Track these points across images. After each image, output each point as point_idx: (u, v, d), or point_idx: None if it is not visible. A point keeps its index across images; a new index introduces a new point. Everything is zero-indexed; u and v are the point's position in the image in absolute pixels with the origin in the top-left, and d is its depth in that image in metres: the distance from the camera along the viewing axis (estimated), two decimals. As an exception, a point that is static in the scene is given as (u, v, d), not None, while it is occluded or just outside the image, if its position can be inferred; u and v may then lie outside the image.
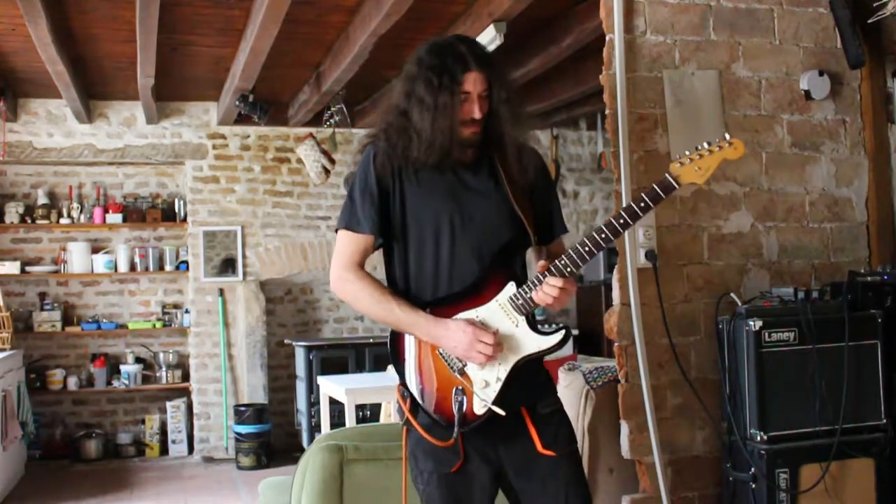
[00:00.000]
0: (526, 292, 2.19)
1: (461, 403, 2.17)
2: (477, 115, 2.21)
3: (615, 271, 3.30)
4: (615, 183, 3.28)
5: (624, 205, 2.28)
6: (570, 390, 3.33)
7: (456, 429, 2.16)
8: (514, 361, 2.20)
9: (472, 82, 2.19)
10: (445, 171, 2.26)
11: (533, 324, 2.22)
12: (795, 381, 3.05)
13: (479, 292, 2.23)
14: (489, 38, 4.46)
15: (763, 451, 2.99)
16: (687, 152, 2.16)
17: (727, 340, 3.13)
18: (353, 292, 2.27)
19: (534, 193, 2.34)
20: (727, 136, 2.17)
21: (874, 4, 3.24)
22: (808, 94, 3.52)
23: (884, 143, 3.66)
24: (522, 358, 2.20)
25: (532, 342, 2.20)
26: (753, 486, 3.02)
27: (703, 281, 3.38)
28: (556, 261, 2.17)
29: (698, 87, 3.39)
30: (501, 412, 2.16)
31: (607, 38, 3.30)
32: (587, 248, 2.16)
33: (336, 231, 2.34)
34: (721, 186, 3.41)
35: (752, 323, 3.03)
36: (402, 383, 2.27)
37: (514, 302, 2.20)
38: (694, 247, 3.38)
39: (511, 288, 2.21)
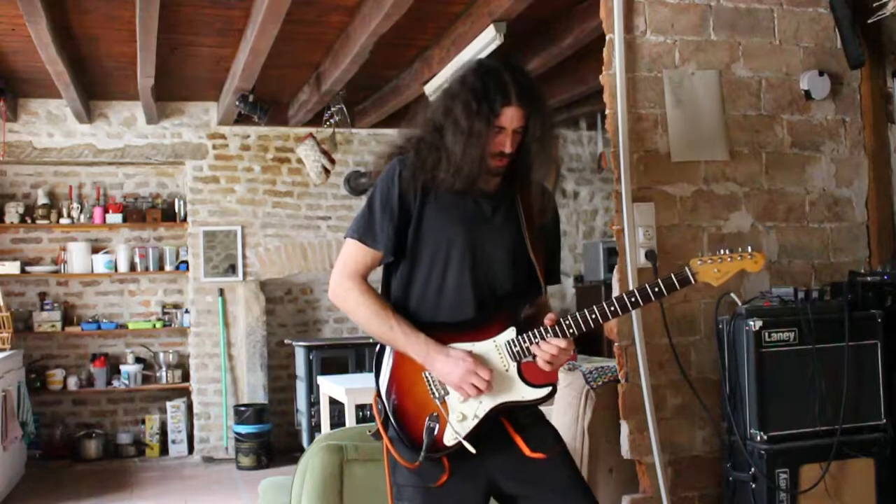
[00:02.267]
0: (524, 341, 2.19)
1: (433, 430, 2.16)
2: (508, 149, 2.18)
3: (615, 271, 3.30)
4: (615, 183, 3.28)
5: (638, 286, 2.31)
6: (570, 390, 3.33)
7: (422, 453, 2.15)
8: (495, 404, 2.19)
9: (510, 117, 2.16)
10: (466, 197, 2.23)
11: (522, 372, 2.21)
12: (795, 381, 3.04)
13: (478, 328, 2.22)
14: (489, 38, 4.46)
15: (763, 451, 2.99)
16: (710, 253, 2.23)
17: (727, 340, 3.13)
18: (353, 302, 2.24)
19: (547, 238, 2.35)
20: (750, 249, 2.23)
21: (874, 4, 3.24)
22: (808, 94, 3.52)
23: (884, 143, 3.66)
24: (504, 403, 2.20)
25: (517, 391, 2.20)
26: (753, 486, 3.01)
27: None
28: (562, 320, 2.18)
29: (698, 87, 3.39)
30: (472, 449, 2.16)
31: (607, 38, 3.29)
32: (594, 317, 2.18)
33: (345, 237, 2.30)
34: (721, 186, 3.41)
35: (752, 323, 3.02)
36: (378, 394, 2.26)
37: (510, 347, 2.20)
38: (694, 247, 3.38)
39: (511, 332, 2.20)
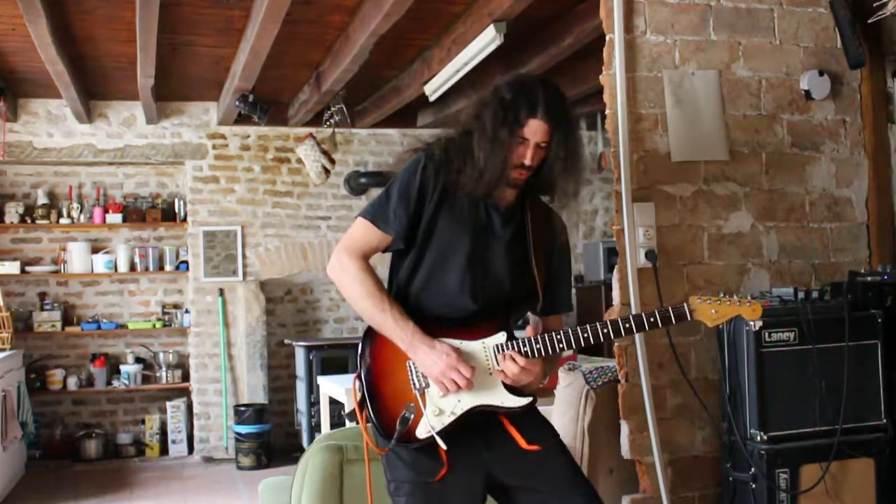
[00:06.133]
0: (511, 348, 2.21)
1: (407, 419, 2.18)
2: (528, 161, 2.21)
3: (615, 271, 3.30)
4: (615, 183, 3.29)
5: (634, 313, 2.34)
6: (570, 390, 3.33)
7: (393, 440, 2.16)
8: (473, 405, 2.20)
9: (533, 130, 2.19)
10: (480, 207, 2.27)
11: None
12: (795, 381, 3.05)
13: (469, 328, 2.24)
14: (489, 38, 4.46)
15: (763, 451, 2.99)
16: (711, 294, 2.27)
17: (727, 340, 3.13)
18: (349, 277, 2.26)
19: (552, 262, 2.36)
20: (749, 297, 2.30)
21: (874, 4, 3.24)
22: (808, 94, 3.52)
23: (884, 143, 3.66)
24: (481, 406, 2.21)
25: (496, 395, 2.22)
26: (753, 486, 3.02)
27: (703, 281, 3.38)
28: (546, 335, 2.20)
29: (698, 87, 3.39)
30: (443, 445, 2.17)
31: (607, 38, 3.30)
32: (585, 335, 2.21)
33: (356, 217, 2.31)
34: (721, 186, 3.41)
35: (752, 323, 3.02)
36: (359, 376, 2.27)
37: (497, 351, 2.22)
38: (694, 247, 3.38)
39: (501, 337, 2.23)
